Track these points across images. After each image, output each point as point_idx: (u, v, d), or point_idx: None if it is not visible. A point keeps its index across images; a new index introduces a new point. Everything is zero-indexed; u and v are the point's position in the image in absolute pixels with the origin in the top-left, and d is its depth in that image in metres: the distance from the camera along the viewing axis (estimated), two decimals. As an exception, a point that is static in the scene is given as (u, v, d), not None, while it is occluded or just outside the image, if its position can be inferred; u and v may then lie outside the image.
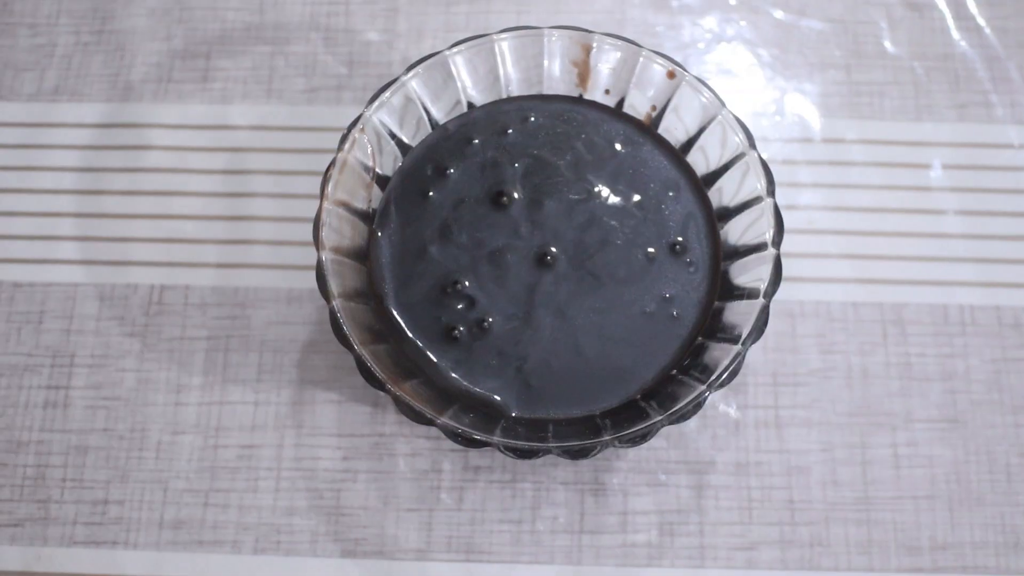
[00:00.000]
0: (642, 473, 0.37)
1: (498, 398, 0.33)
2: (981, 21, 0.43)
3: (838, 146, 0.41)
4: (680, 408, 0.31)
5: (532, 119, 0.36)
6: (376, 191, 0.36)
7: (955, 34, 0.43)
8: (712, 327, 0.34)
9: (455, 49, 0.35)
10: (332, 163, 0.34)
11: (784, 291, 0.38)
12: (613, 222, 0.35)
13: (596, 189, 0.35)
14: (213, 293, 0.39)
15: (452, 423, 0.31)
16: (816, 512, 0.37)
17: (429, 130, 0.37)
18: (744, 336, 0.32)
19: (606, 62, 0.36)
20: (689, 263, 0.35)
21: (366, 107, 0.34)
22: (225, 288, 0.39)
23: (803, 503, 0.37)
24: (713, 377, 0.31)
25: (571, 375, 0.33)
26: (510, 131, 0.36)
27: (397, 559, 0.36)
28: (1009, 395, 0.38)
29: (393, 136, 0.36)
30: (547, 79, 0.37)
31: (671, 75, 0.36)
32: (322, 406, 0.38)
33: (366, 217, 0.35)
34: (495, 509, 0.37)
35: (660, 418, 0.31)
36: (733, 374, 0.32)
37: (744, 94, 0.42)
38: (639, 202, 0.35)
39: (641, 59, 0.36)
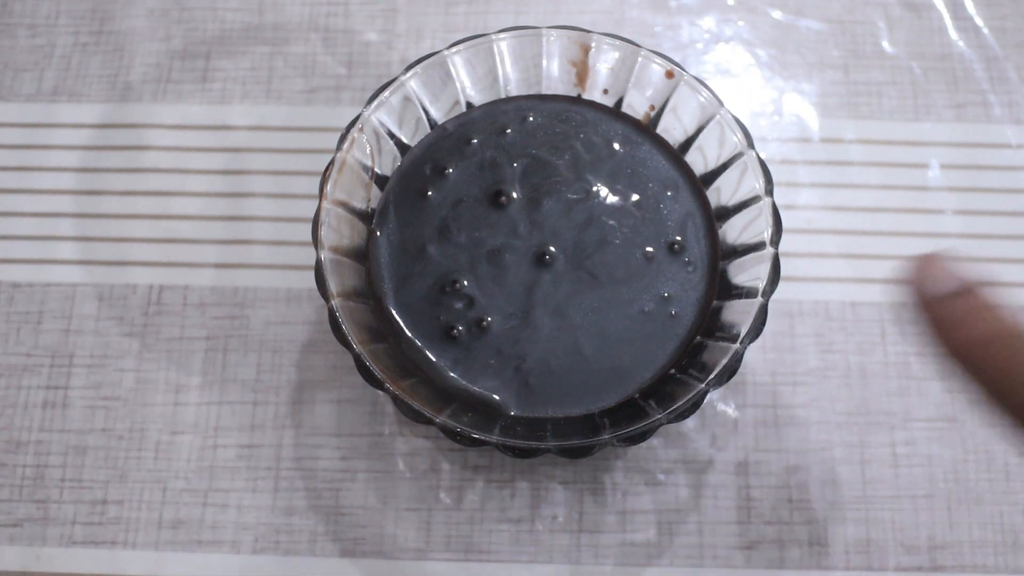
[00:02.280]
0: (641, 472, 0.37)
1: (497, 397, 0.33)
2: (979, 21, 0.43)
3: (836, 146, 0.41)
4: (679, 407, 0.31)
5: (531, 119, 0.36)
6: (375, 191, 0.36)
7: (953, 34, 0.43)
8: (710, 326, 0.34)
9: (454, 49, 0.36)
10: (331, 163, 0.34)
11: (782, 290, 0.38)
12: (611, 221, 0.35)
13: (594, 189, 0.35)
14: (212, 293, 0.39)
15: (451, 422, 0.31)
16: (815, 511, 0.37)
17: (428, 130, 0.37)
18: (742, 335, 0.32)
19: (604, 62, 0.36)
20: (687, 262, 0.35)
21: (365, 107, 0.35)
22: (224, 288, 0.39)
23: (802, 502, 0.37)
24: (711, 376, 0.31)
25: (570, 374, 0.33)
26: (509, 131, 0.36)
27: (396, 559, 0.36)
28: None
29: (392, 136, 0.36)
30: (546, 79, 0.37)
31: (669, 75, 0.36)
32: (321, 406, 0.38)
33: (365, 217, 0.35)
34: (494, 508, 0.37)
35: (659, 417, 0.31)
36: (731, 373, 0.32)
37: (742, 94, 0.42)
38: (637, 201, 0.35)
39: (639, 59, 0.36)
